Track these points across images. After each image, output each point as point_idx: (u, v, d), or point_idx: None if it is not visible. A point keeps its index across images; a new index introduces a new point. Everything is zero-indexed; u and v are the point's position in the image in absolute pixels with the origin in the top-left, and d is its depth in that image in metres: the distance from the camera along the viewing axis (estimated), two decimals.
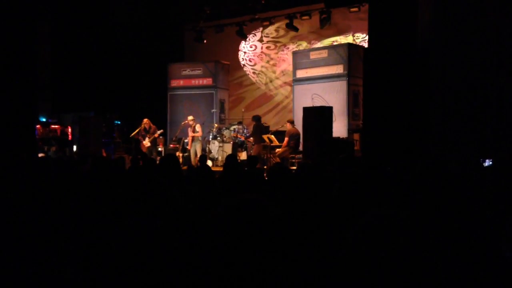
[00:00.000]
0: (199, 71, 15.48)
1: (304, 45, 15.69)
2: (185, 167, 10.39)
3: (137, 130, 13.17)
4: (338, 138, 11.15)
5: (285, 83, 16.00)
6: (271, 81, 16.49)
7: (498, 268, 1.70)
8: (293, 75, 13.96)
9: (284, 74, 16.07)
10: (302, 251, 1.29)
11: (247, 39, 16.50)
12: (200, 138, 12.82)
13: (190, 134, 12.76)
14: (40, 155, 12.18)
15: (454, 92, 8.90)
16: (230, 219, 1.29)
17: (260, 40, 16.62)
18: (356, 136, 11.76)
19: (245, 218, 1.28)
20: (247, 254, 1.24)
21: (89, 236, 2.38)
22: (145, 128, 12.76)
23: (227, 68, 15.98)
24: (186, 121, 12.93)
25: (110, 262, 1.97)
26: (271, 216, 1.30)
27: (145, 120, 12.83)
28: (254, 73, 16.84)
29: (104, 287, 1.94)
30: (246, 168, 7.39)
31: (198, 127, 12.74)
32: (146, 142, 12.68)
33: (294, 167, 10.63)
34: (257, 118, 12.09)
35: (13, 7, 11.60)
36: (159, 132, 12.77)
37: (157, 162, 9.52)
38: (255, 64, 16.80)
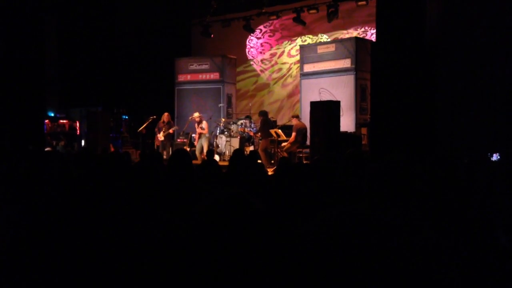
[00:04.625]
0: (206, 66, 15.47)
1: (311, 39, 15.66)
2: (196, 161, 10.42)
3: (145, 124, 13.23)
4: (346, 132, 11.13)
5: (293, 77, 16.00)
6: (278, 75, 16.48)
7: (494, 255, 1.69)
8: (300, 70, 13.92)
9: (291, 69, 16.05)
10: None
11: (255, 34, 16.49)
12: (207, 135, 12.79)
13: (198, 130, 12.72)
14: (47, 149, 12.24)
15: (462, 86, 8.85)
16: (214, 215, 1.29)
17: (267, 35, 16.59)
18: (363, 131, 11.73)
19: (229, 214, 1.29)
20: (231, 250, 1.24)
21: (93, 231, 2.39)
22: (163, 121, 12.84)
23: (234, 63, 15.95)
24: (192, 118, 12.91)
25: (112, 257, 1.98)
26: (255, 212, 1.29)
27: (166, 114, 12.97)
28: (261, 67, 16.82)
29: (107, 281, 1.96)
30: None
31: (204, 125, 12.67)
32: (160, 136, 12.78)
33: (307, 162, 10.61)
34: (263, 113, 12.09)
35: (20, 1, 11.63)
36: (173, 128, 12.90)
37: (165, 156, 9.54)
38: (262, 60, 16.79)
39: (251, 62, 16.98)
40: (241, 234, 1.26)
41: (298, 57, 14.54)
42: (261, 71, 16.84)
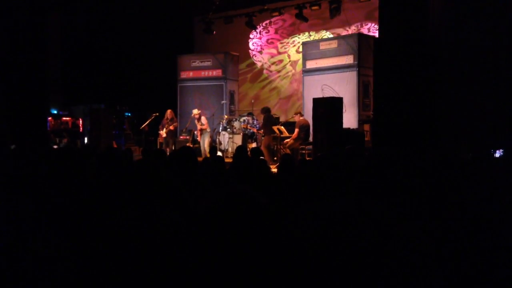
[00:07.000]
0: (209, 63, 15.46)
1: (314, 35, 15.64)
2: (200, 158, 10.42)
3: (148, 122, 13.25)
4: (349, 129, 11.11)
5: (295, 74, 15.99)
6: (280, 71, 16.47)
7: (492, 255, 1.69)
8: (302, 66, 13.90)
9: (293, 65, 16.04)
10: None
11: (258, 31, 16.48)
12: (208, 130, 12.84)
13: (198, 126, 12.82)
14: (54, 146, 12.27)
15: (465, 82, 8.82)
16: (219, 211, 1.29)
17: (269, 31, 16.58)
18: (366, 127, 11.71)
19: (235, 209, 1.28)
20: (236, 245, 1.24)
21: (94, 227, 2.40)
22: (167, 118, 12.87)
23: (237, 59, 15.94)
24: (192, 115, 12.97)
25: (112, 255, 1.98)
26: (260, 207, 1.29)
27: (169, 110, 12.99)
28: (263, 63, 16.82)
29: (107, 280, 1.96)
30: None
31: (203, 120, 12.76)
32: (163, 133, 12.82)
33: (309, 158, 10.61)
34: (266, 110, 12.07)
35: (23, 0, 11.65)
36: (174, 125, 12.91)
37: (167, 153, 9.54)
38: (265, 55, 16.78)
39: (254, 59, 16.97)
40: (246, 230, 1.26)
41: (300, 54, 14.52)
42: (264, 67, 16.83)
